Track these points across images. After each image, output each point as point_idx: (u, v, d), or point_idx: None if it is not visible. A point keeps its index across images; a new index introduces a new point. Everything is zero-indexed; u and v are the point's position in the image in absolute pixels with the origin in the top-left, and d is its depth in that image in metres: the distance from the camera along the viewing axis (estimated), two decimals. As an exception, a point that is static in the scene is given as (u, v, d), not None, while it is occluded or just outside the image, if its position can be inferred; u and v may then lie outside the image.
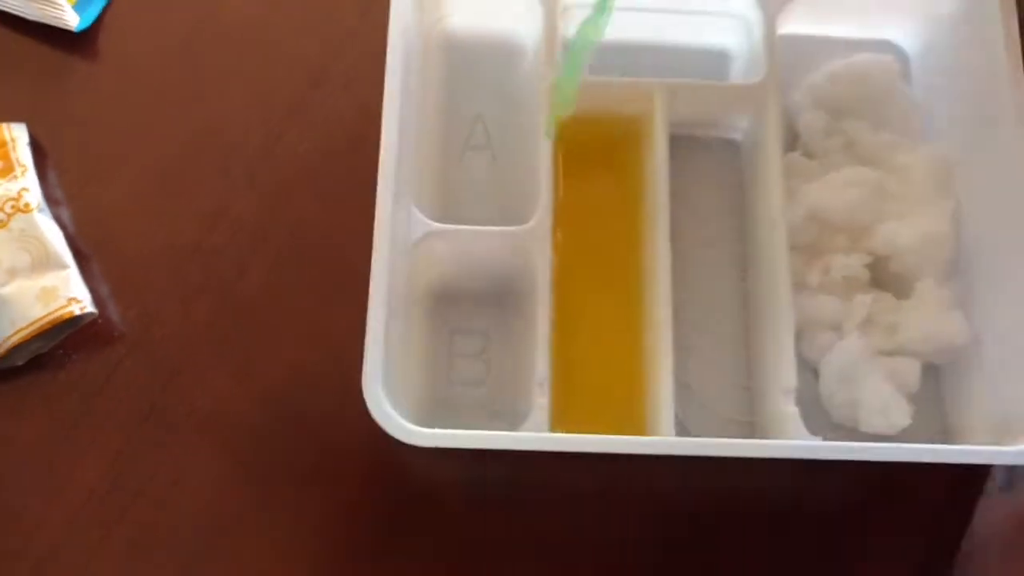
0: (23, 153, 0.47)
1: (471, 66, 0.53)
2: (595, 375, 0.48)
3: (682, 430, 0.44)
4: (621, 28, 0.49)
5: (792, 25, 0.50)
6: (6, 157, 0.47)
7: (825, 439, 0.43)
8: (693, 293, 0.49)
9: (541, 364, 0.44)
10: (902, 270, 0.48)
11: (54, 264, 0.45)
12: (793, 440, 0.42)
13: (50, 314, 0.44)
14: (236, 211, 0.48)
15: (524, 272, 0.46)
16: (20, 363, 0.45)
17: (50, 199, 0.47)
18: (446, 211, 0.49)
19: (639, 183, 0.49)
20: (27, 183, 0.46)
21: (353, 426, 0.42)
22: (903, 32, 0.52)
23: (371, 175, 0.42)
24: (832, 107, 0.49)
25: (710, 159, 0.51)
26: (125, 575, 0.43)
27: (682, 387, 0.46)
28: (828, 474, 0.47)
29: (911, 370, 0.47)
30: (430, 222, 0.46)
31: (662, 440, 0.43)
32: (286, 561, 0.44)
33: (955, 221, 0.47)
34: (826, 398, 0.48)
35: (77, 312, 0.45)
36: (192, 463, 0.45)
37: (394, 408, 0.40)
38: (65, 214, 0.48)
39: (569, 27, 0.50)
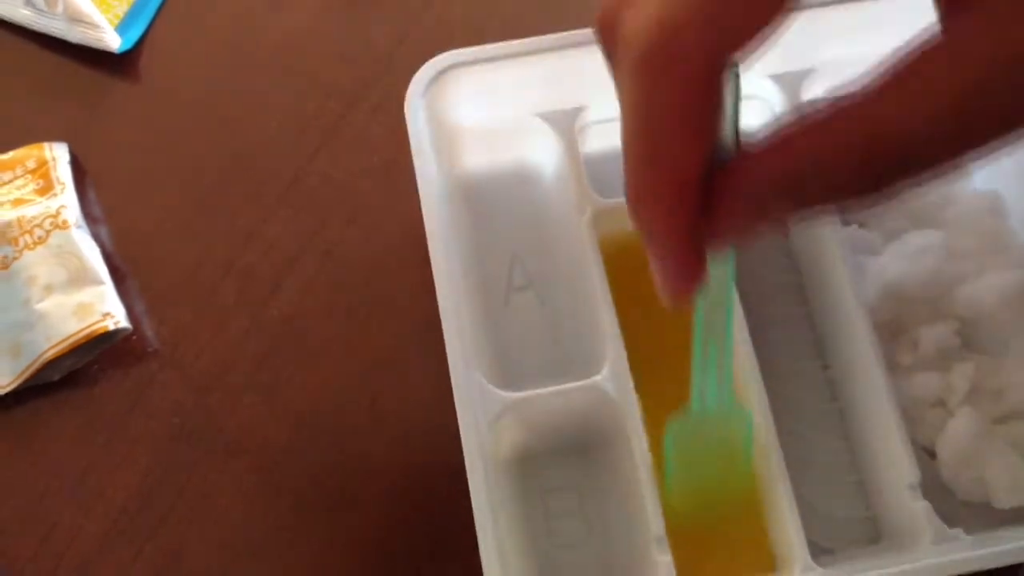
0: (63, 172, 0.48)
1: (495, 206, 0.49)
2: (709, 517, 0.44)
3: (811, 546, 0.40)
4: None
5: (815, 92, 0.48)
6: (46, 176, 0.48)
7: (964, 529, 0.40)
8: (777, 393, 0.45)
9: (654, 517, 0.40)
10: (993, 328, 0.45)
11: (90, 280, 0.46)
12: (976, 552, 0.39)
13: (85, 329, 0.45)
14: (270, 233, 0.49)
15: (608, 420, 0.43)
16: (56, 378, 0.46)
17: (88, 217, 0.48)
18: (504, 370, 0.45)
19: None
20: (66, 201, 0.47)
21: (384, 450, 0.44)
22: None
23: (403, 202, 0.44)
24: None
25: (758, 247, 0.48)
26: None
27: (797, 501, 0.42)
28: None
29: (1031, 433, 0.43)
30: (505, 394, 0.42)
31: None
32: (314, 563, 0.44)
33: (1030, 267, 0.45)
34: (949, 481, 0.45)
35: (111, 327, 0.45)
36: (221, 483, 0.45)
37: None
38: (103, 232, 0.49)
39: (588, 144, 0.48)
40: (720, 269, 0.33)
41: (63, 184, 0.48)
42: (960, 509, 0.44)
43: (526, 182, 0.49)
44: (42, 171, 0.48)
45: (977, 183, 0.48)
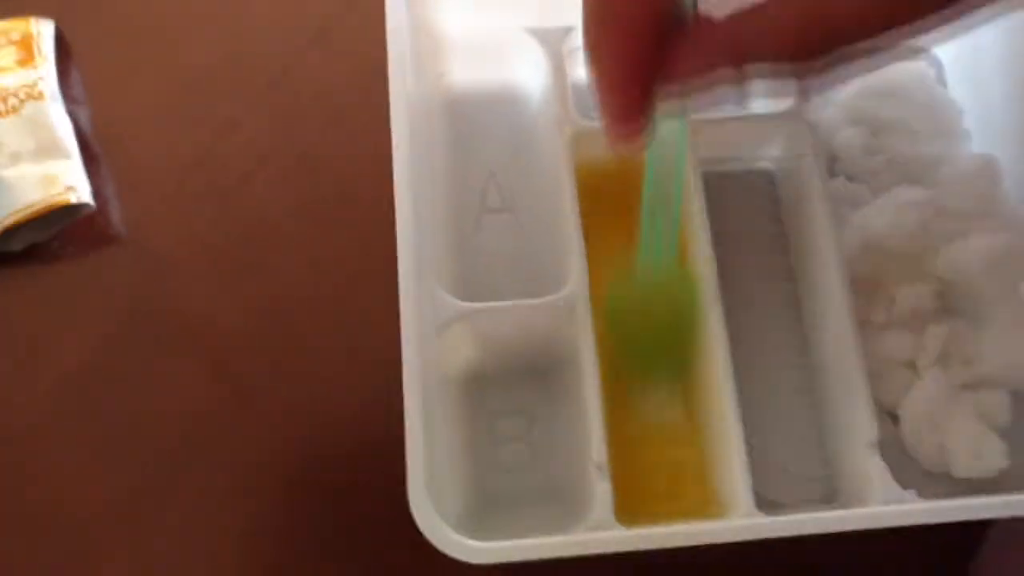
0: (46, 46, 0.48)
1: (477, 122, 0.48)
2: (654, 450, 0.43)
3: (758, 498, 0.39)
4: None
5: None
6: (28, 48, 0.48)
7: (918, 492, 0.39)
8: (746, 342, 0.44)
9: (597, 444, 0.39)
10: (973, 293, 0.43)
11: (58, 153, 0.46)
12: (919, 504, 0.38)
13: (47, 199, 0.45)
14: (247, 128, 0.49)
15: (564, 343, 0.42)
16: (16, 249, 0.45)
17: (68, 97, 0.48)
18: (470, 285, 0.44)
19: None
20: (44, 74, 0.47)
21: (336, 349, 0.45)
22: (935, 37, 0.49)
23: (386, 111, 0.40)
24: (868, 122, 0.46)
25: (743, 193, 0.47)
26: (96, 463, 0.44)
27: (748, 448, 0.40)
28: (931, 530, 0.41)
29: (999, 403, 0.42)
30: (457, 302, 0.41)
31: (770, 522, 0.38)
32: (259, 464, 0.44)
33: (1021, 232, 0.43)
34: (911, 444, 0.43)
35: (73, 200, 0.45)
36: (170, 364, 0.45)
37: (444, 517, 0.36)
38: (81, 112, 0.48)
39: (576, 70, 0.47)
40: (671, 127, 0.34)
41: (44, 57, 0.48)
42: (920, 479, 0.42)
43: (511, 101, 0.48)
44: (25, 43, 0.48)
45: (975, 146, 0.47)
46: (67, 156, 0.46)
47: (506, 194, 0.47)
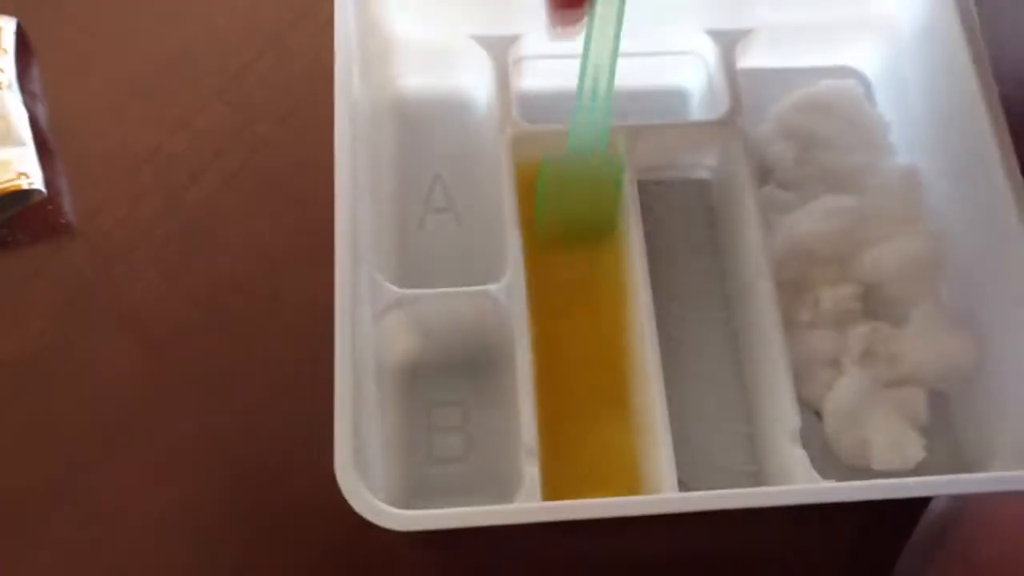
0: (7, 40, 0.50)
1: (425, 126, 0.50)
2: (584, 438, 0.44)
3: (683, 488, 0.40)
4: (572, 74, 0.49)
5: (750, 59, 0.49)
6: None
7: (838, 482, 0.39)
8: (678, 339, 0.46)
9: (527, 431, 0.40)
10: (895, 295, 0.45)
11: (13, 140, 0.47)
12: (816, 484, 0.39)
13: None
14: (200, 124, 0.50)
15: (499, 334, 0.43)
16: None
17: (27, 92, 0.50)
18: (410, 279, 0.45)
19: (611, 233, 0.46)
20: (3, 64, 0.49)
21: (276, 343, 0.46)
22: (862, 57, 0.51)
23: (332, 113, 0.42)
24: (800, 136, 0.48)
25: (680, 201, 0.49)
26: (28, 444, 0.44)
27: (678, 440, 0.41)
28: (843, 518, 0.44)
29: (917, 400, 0.44)
30: (394, 288, 0.42)
31: (679, 497, 0.39)
32: (194, 447, 0.44)
33: (940, 237, 0.45)
34: (833, 440, 0.44)
35: (25, 186, 0.46)
36: (109, 353, 0.46)
37: (372, 492, 0.36)
38: (39, 108, 0.50)
39: (522, 79, 0.49)
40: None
41: (5, 51, 0.49)
42: (841, 473, 0.43)
43: (458, 106, 0.50)
44: None
45: (900, 159, 0.49)
46: (21, 144, 0.47)
47: (451, 195, 0.49)
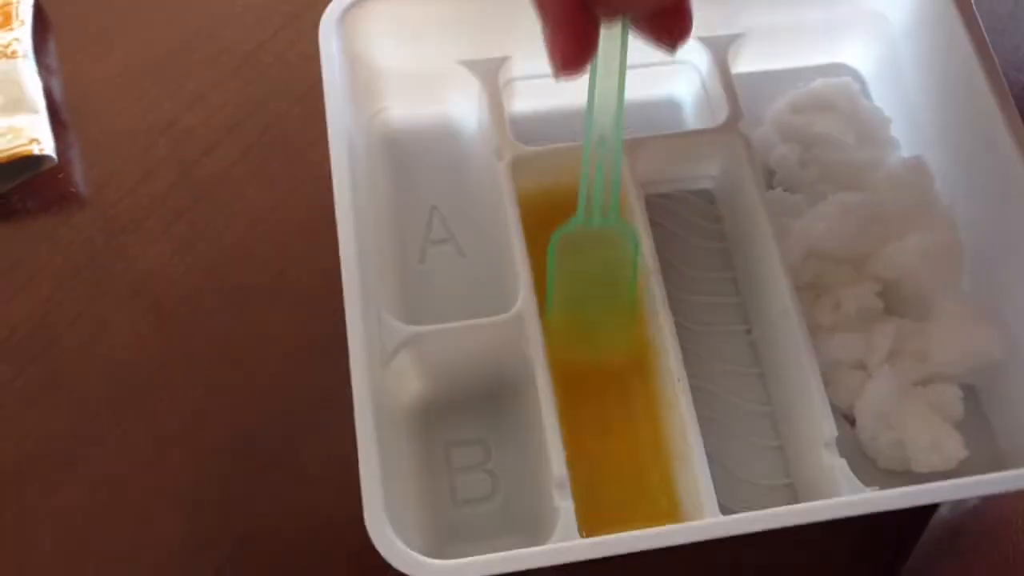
0: (25, 12, 0.50)
1: (417, 156, 0.49)
2: (615, 465, 0.42)
3: (723, 510, 0.39)
4: (564, 92, 0.47)
5: (742, 63, 0.48)
6: (7, 13, 0.50)
7: (880, 489, 0.38)
8: (698, 356, 0.45)
9: (556, 463, 0.38)
10: (916, 290, 0.44)
11: (26, 108, 0.48)
12: (873, 494, 0.38)
13: (10, 149, 0.46)
14: (215, 100, 0.50)
15: (516, 366, 0.41)
16: None
17: (43, 64, 0.50)
18: (415, 316, 0.43)
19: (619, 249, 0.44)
20: (20, 35, 0.50)
21: (281, 317, 0.46)
22: (855, 53, 0.51)
23: None
24: (800, 137, 0.47)
25: (687, 213, 0.48)
26: (26, 416, 0.44)
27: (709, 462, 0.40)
28: (889, 527, 0.42)
29: (951, 396, 0.43)
30: (405, 326, 0.41)
31: (730, 520, 0.37)
32: (200, 423, 0.44)
33: (956, 228, 0.44)
34: (868, 443, 0.43)
35: (36, 152, 0.47)
36: (116, 320, 0.46)
37: (406, 541, 0.35)
38: (55, 81, 0.51)
39: (512, 100, 0.48)
40: (612, 45, 0.35)
41: (22, 21, 0.50)
42: (880, 479, 0.42)
43: (448, 134, 0.48)
44: (5, 9, 0.50)
45: (904, 152, 0.48)
46: (34, 111, 0.48)
47: (449, 225, 0.47)
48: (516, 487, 0.42)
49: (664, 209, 0.47)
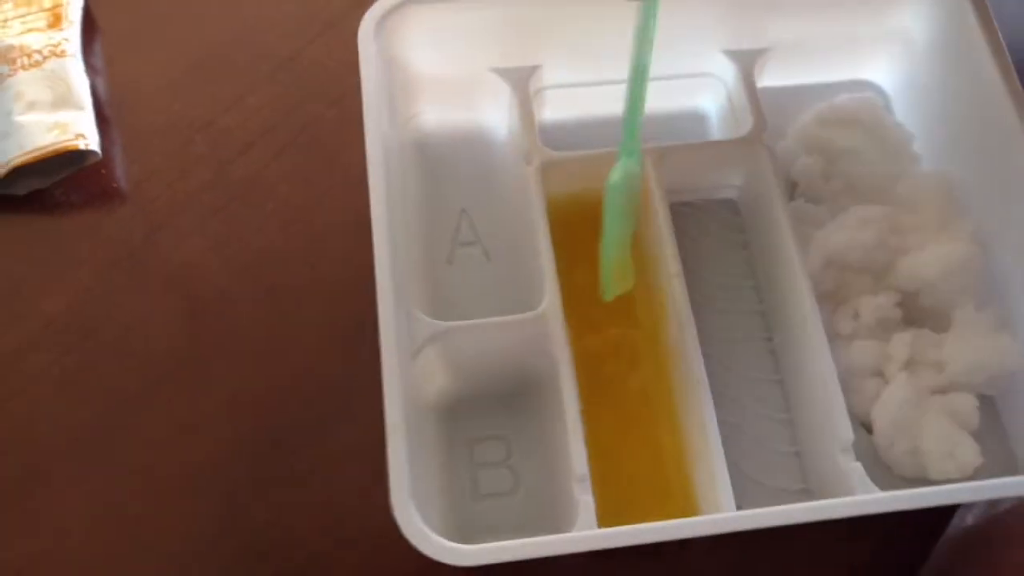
0: (74, 14, 0.52)
1: (448, 161, 0.50)
2: (635, 465, 0.43)
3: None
4: (592, 102, 0.48)
5: (767, 78, 0.49)
6: (58, 14, 0.52)
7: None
8: (719, 361, 0.45)
9: (577, 459, 0.39)
10: (935, 302, 0.45)
11: (72, 104, 0.49)
12: (880, 494, 0.39)
13: (56, 143, 0.48)
14: (253, 102, 0.52)
15: (540, 364, 0.42)
16: (20, 193, 0.48)
17: (89, 64, 0.52)
18: (442, 314, 0.44)
19: (644, 255, 0.46)
20: (69, 35, 0.51)
21: (314, 313, 0.47)
22: (879, 70, 0.52)
23: None
24: (824, 150, 0.48)
25: (708, 223, 0.49)
26: (56, 405, 0.45)
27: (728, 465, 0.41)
28: (906, 532, 0.43)
29: (968, 405, 0.43)
30: (433, 321, 0.42)
31: (746, 514, 0.38)
32: (227, 415, 0.45)
33: (976, 241, 0.45)
34: (884, 450, 0.44)
35: (82, 147, 0.48)
36: (152, 312, 0.47)
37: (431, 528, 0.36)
38: (100, 80, 0.52)
39: (542, 111, 0.49)
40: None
41: (71, 22, 0.52)
42: (897, 485, 0.42)
43: (479, 140, 0.50)
44: (55, 11, 0.52)
45: (927, 165, 0.49)
46: (81, 108, 0.49)
47: (477, 229, 0.48)
48: (537, 483, 0.43)
49: (688, 217, 0.48)
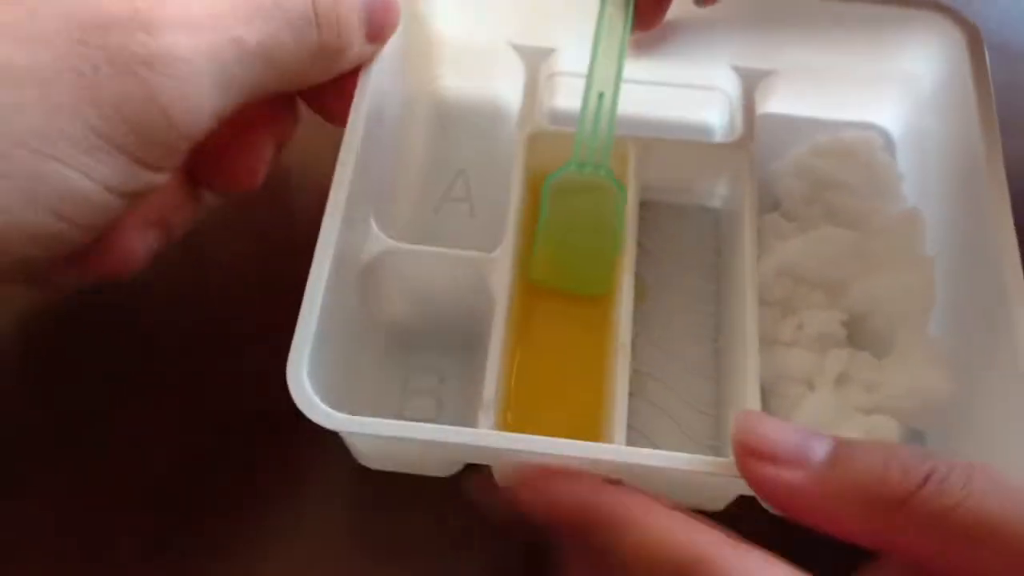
0: None
1: (459, 125, 0.53)
2: (550, 415, 0.44)
3: None
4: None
5: (774, 104, 0.51)
6: None
7: None
8: (664, 352, 0.47)
9: (489, 388, 0.41)
10: (881, 327, 0.45)
11: None
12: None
13: None
14: None
15: (483, 305, 0.44)
16: None
17: None
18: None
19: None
20: None
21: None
22: (885, 113, 0.52)
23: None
24: (815, 178, 0.49)
25: (688, 225, 0.51)
26: (36, 394, 0.46)
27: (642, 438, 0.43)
28: None
29: (888, 428, 0.43)
30: (388, 239, 0.44)
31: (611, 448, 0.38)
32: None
33: (930, 275, 0.45)
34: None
35: None
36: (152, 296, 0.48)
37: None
38: None
39: (553, 96, 0.52)
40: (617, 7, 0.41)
41: None
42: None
43: (491, 110, 0.53)
44: None
45: (908, 199, 0.49)
46: None
47: (470, 188, 0.51)
48: (456, 415, 0.45)
49: (665, 217, 0.50)
